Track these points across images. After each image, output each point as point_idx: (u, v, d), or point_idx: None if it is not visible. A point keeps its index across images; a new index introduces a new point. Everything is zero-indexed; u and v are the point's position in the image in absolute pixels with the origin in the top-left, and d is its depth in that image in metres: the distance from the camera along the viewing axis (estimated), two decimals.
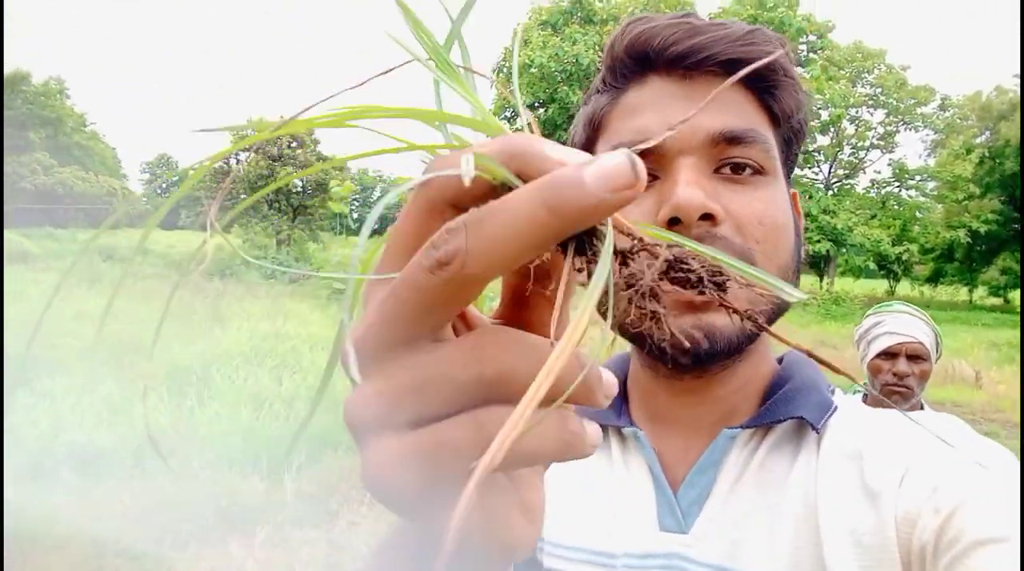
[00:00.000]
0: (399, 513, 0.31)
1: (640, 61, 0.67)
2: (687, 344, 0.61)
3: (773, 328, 0.35)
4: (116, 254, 20.32)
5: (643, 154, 0.63)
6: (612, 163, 0.26)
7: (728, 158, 0.64)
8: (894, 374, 2.18)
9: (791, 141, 0.71)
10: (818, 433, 0.66)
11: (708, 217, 0.61)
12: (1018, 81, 33.44)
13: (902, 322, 2.21)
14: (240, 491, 4.24)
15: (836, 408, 0.70)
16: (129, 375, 6.42)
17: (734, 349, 0.64)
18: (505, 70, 31.29)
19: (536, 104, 29.13)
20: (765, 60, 0.40)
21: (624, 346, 0.81)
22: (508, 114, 31.98)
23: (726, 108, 0.64)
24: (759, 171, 0.65)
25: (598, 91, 0.72)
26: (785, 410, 0.67)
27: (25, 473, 4.18)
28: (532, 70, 27.93)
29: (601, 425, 0.74)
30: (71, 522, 3.59)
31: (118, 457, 4.56)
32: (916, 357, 2.18)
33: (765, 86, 0.67)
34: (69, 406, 5.45)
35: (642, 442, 0.71)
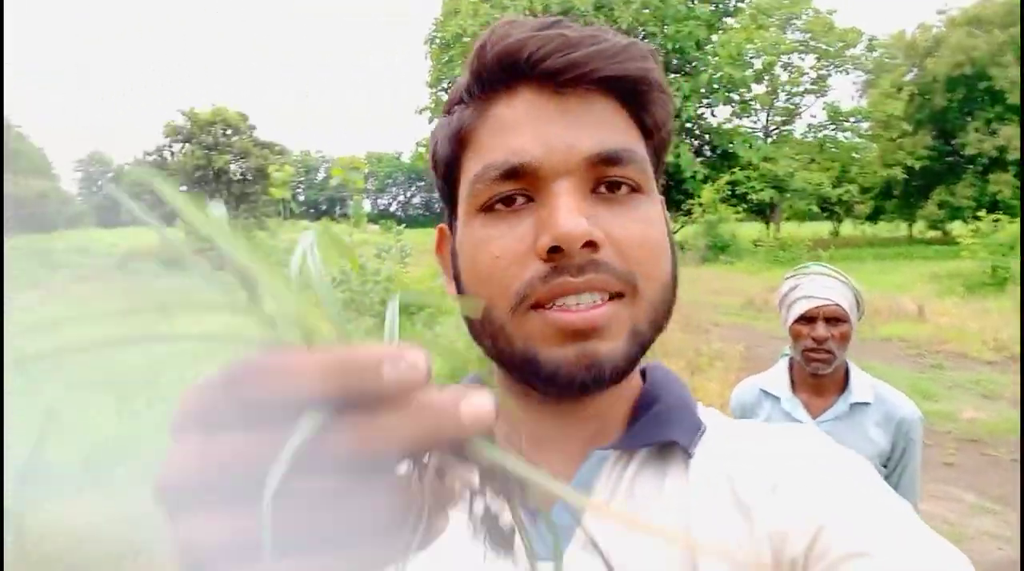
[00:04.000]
0: None
1: (510, 72, 0.64)
2: (571, 375, 0.61)
3: None
4: (54, 257, 19.68)
5: (518, 175, 0.62)
6: (483, 405, 0.29)
7: (605, 178, 0.63)
8: (813, 339, 2.17)
9: (660, 151, 0.71)
10: (690, 456, 0.66)
11: (590, 244, 0.59)
12: (942, 18, 34.19)
13: (818, 285, 2.18)
14: None
15: (705, 428, 0.70)
16: (74, 381, 6.24)
17: (619, 376, 0.63)
18: (437, 41, 30.87)
19: None
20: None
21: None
22: (444, 86, 31.70)
23: (602, 126, 0.63)
24: (636, 190, 0.64)
25: (462, 102, 0.68)
26: (658, 432, 0.67)
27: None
28: (465, 39, 27.62)
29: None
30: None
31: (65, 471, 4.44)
32: (835, 320, 2.17)
33: (639, 101, 0.66)
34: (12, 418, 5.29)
35: None
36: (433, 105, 32.17)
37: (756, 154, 30.64)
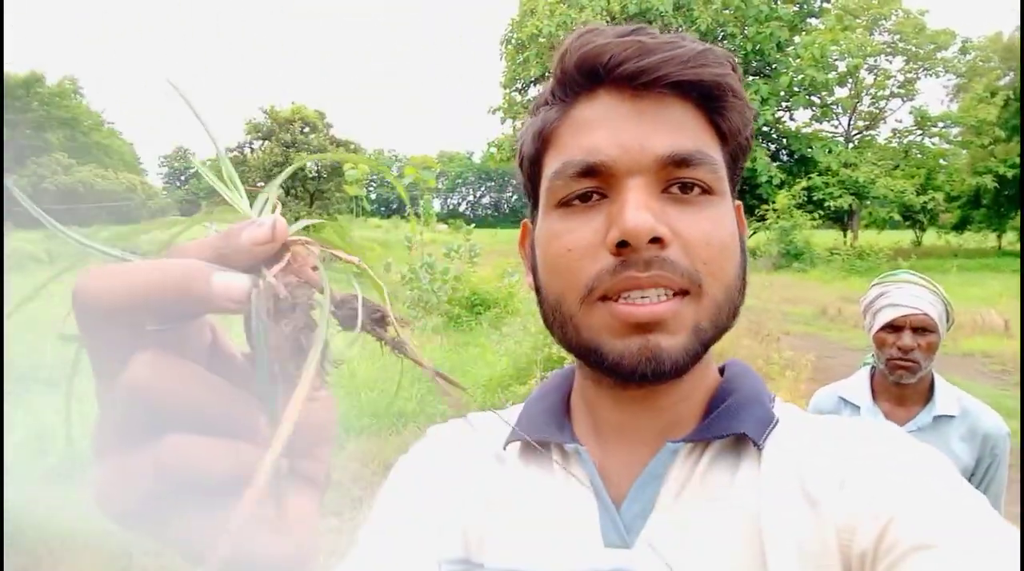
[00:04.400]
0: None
1: (589, 76, 0.68)
2: (633, 366, 0.63)
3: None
4: (139, 250, 20.53)
5: (593, 173, 0.65)
6: (259, 229, 0.34)
7: (677, 179, 0.65)
8: (899, 348, 2.10)
9: (737, 157, 0.73)
10: (760, 449, 0.67)
11: (656, 240, 0.62)
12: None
13: (907, 293, 2.12)
14: None
15: (777, 421, 0.71)
16: None
17: (680, 370, 0.64)
18: (513, 41, 30.99)
19: (547, 74, 28.80)
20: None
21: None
22: (519, 86, 31.82)
23: (675, 129, 0.65)
24: (707, 191, 0.66)
25: (546, 103, 0.72)
26: (728, 425, 0.68)
27: (57, 473, 4.27)
28: (540, 39, 27.66)
29: (543, 442, 0.75)
30: (99, 523, 3.65)
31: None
32: (922, 329, 2.09)
33: (714, 106, 0.68)
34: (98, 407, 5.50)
35: (584, 458, 0.72)
36: (506, 105, 32.30)
37: (836, 159, 29.76)
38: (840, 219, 32.61)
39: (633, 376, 0.64)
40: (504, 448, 0.78)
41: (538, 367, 6.29)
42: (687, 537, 0.65)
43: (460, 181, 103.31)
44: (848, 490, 0.62)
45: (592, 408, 0.75)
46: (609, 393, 0.73)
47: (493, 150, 31.76)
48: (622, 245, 0.62)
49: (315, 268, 0.35)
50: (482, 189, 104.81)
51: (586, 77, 0.68)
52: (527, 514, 0.73)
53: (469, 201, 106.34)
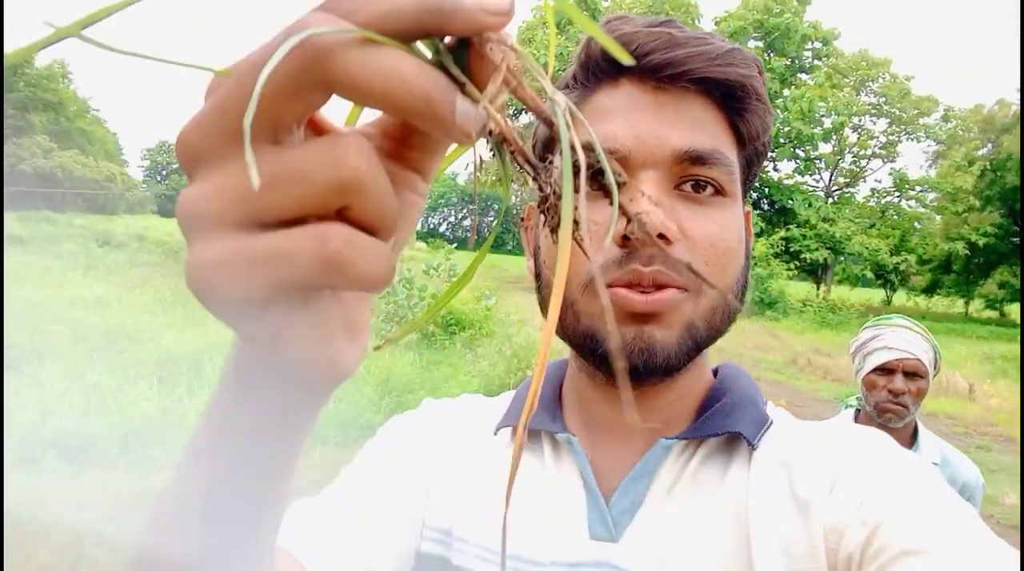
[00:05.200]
0: (224, 320, 0.30)
1: (614, 64, 0.66)
2: (625, 356, 0.62)
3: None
4: (113, 240, 20.29)
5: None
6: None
7: (690, 176, 0.65)
8: (889, 391, 2.12)
9: (753, 162, 0.72)
10: (754, 448, 0.67)
11: (663, 237, 0.61)
12: (1019, 95, 33.48)
13: (900, 337, 2.15)
14: None
15: (772, 422, 0.71)
16: (120, 363, 6.39)
17: (672, 366, 0.64)
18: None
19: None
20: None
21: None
22: (511, 113, 31.97)
23: (694, 126, 0.65)
24: (719, 192, 0.66)
25: (567, 87, 0.71)
26: (723, 424, 0.68)
27: (11, 459, 4.15)
28: None
29: (534, 430, 0.74)
30: (54, 510, 3.56)
31: (105, 445, 4.53)
32: (913, 374, 2.12)
33: (736, 107, 0.67)
34: (58, 393, 5.42)
35: (575, 448, 0.71)
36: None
37: (815, 213, 30.25)
38: (814, 272, 33.03)
39: (624, 369, 0.63)
40: (495, 433, 0.77)
41: (511, 390, 6.28)
42: (675, 534, 0.65)
43: (443, 201, 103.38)
44: (837, 494, 0.61)
45: (584, 402, 0.74)
46: (602, 390, 0.72)
47: (479, 174, 31.68)
48: (628, 238, 0.61)
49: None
50: (464, 210, 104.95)
51: (610, 64, 0.67)
52: (515, 499, 0.71)
53: (450, 222, 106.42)
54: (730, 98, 0.66)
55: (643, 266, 0.61)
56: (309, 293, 0.29)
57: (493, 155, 0.32)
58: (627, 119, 0.64)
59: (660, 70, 0.64)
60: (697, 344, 0.65)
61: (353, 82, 0.25)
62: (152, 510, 0.44)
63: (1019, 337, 15.87)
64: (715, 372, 0.78)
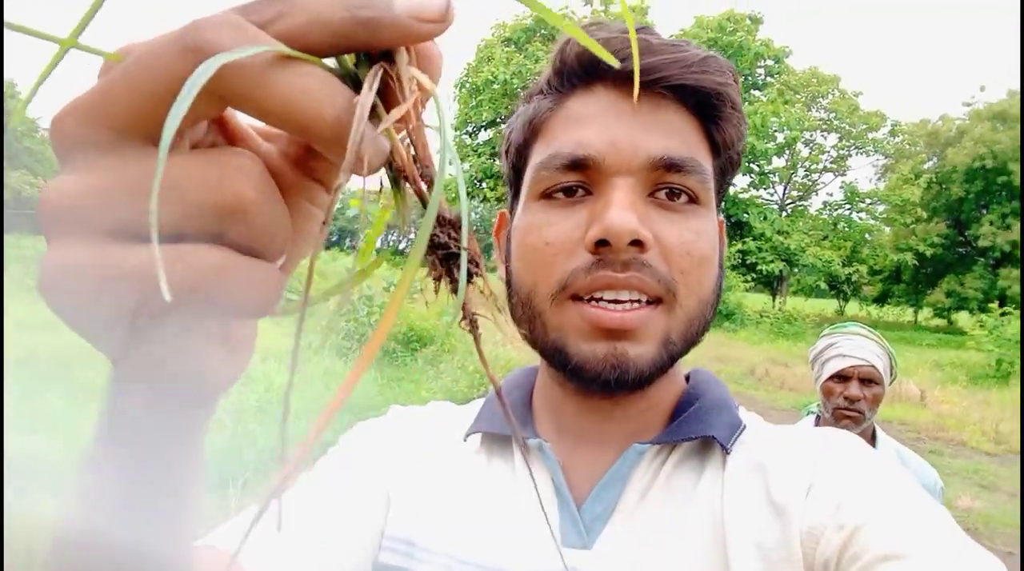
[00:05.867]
0: (75, 331, 0.27)
1: (589, 69, 0.66)
2: (596, 372, 0.62)
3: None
4: None
5: (581, 167, 0.63)
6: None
7: (665, 184, 0.64)
8: (845, 397, 2.18)
9: (727, 170, 0.71)
10: (728, 452, 0.66)
11: (637, 243, 0.60)
12: (966, 110, 34.62)
13: (855, 344, 2.21)
14: None
15: (745, 427, 0.70)
16: (74, 386, 6.22)
17: (644, 381, 0.63)
18: (467, 85, 31.34)
19: (499, 119, 29.20)
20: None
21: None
22: (470, 129, 32.05)
23: (669, 133, 0.64)
24: (693, 200, 0.65)
25: (541, 93, 0.70)
26: (697, 428, 0.67)
27: None
28: (495, 86, 28.03)
29: (505, 436, 0.73)
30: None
31: (55, 470, 4.41)
32: (868, 381, 2.18)
33: (711, 115, 0.66)
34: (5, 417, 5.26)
35: (547, 454, 0.70)
36: (456, 147, 32.08)
37: (770, 226, 30.74)
38: (770, 284, 33.53)
39: (596, 382, 0.62)
40: (465, 440, 0.76)
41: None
42: (649, 540, 0.63)
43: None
44: (813, 498, 0.61)
45: (555, 409, 0.73)
46: (574, 398, 0.71)
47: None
48: (601, 244, 0.60)
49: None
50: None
51: (585, 70, 0.66)
52: (484, 507, 0.70)
53: (410, 239, 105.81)
54: (705, 106, 0.65)
55: (616, 273, 0.60)
56: (173, 313, 0.26)
57: (392, 187, 0.30)
58: (602, 125, 0.64)
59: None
60: (672, 358, 0.65)
61: (249, 100, 0.24)
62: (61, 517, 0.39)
63: (969, 345, 16.28)
64: (687, 377, 0.77)
